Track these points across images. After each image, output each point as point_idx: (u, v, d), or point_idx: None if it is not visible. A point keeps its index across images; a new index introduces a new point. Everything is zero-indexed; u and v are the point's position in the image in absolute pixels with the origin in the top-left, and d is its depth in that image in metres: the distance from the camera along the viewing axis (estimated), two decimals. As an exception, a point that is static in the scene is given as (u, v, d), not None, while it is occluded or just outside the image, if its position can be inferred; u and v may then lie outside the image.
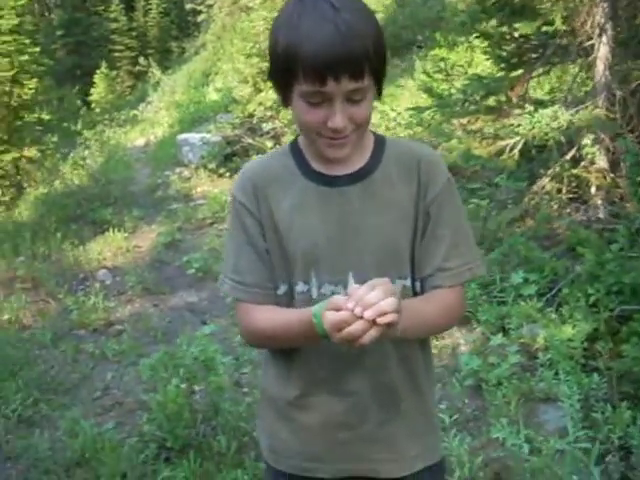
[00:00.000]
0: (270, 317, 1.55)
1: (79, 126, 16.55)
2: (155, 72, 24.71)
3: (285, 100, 1.50)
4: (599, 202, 5.42)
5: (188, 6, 33.25)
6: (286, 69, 1.42)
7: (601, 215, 5.33)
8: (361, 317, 1.27)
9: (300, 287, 1.56)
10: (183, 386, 3.78)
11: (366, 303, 1.27)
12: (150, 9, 35.71)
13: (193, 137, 11.72)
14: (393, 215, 1.55)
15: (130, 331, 5.50)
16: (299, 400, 1.62)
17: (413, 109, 6.90)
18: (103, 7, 31.77)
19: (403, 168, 1.58)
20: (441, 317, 1.59)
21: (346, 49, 1.35)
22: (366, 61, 1.38)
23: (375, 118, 10.13)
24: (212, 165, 10.67)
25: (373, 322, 1.27)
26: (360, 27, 1.38)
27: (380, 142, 1.61)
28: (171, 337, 5.18)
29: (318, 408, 1.60)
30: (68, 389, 4.61)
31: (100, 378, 4.74)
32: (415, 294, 1.59)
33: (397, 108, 9.27)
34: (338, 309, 1.30)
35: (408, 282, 1.58)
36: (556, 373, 3.70)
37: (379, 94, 1.51)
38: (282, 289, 1.59)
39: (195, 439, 3.59)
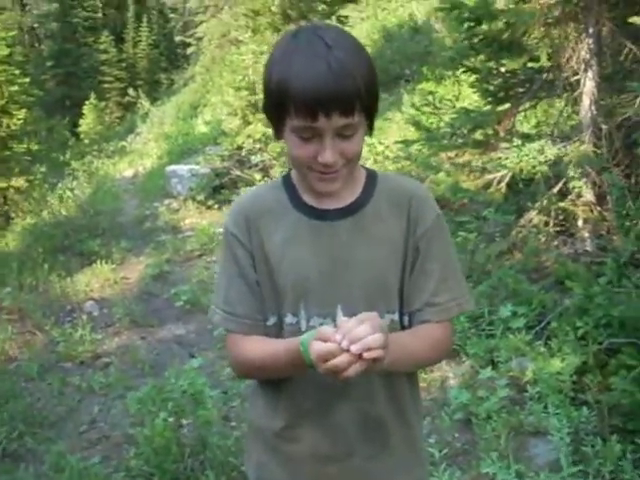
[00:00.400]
0: (259, 347, 1.56)
1: (68, 157, 16.56)
2: (144, 103, 24.82)
3: (277, 133, 1.52)
4: (586, 235, 5.45)
5: (177, 38, 33.62)
6: (278, 104, 1.44)
7: (588, 248, 5.36)
8: (348, 350, 1.28)
9: (289, 319, 1.57)
10: (171, 420, 3.75)
11: (353, 337, 1.28)
12: (140, 41, 35.98)
13: (182, 169, 11.75)
14: (383, 250, 1.57)
15: (117, 364, 5.46)
16: (286, 431, 1.62)
17: (401, 142, 6.94)
18: (93, 38, 31.96)
19: (394, 203, 1.59)
20: (428, 351, 1.60)
21: (337, 86, 1.38)
22: (357, 98, 1.41)
23: (363, 151, 10.18)
24: (200, 197, 10.68)
25: (359, 356, 1.28)
26: (352, 65, 1.41)
27: (371, 177, 1.63)
28: (159, 370, 5.14)
29: (305, 440, 1.60)
30: (54, 422, 4.56)
31: (87, 411, 4.70)
32: (403, 328, 1.60)
33: (385, 141, 9.33)
34: (326, 340, 1.31)
35: (396, 316, 1.59)
36: (545, 406, 3.70)
37: (370, 129, 1.54)
38: (271, 320, 1.60)
39: (183, 474, 3.55)
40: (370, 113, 1.49)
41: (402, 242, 1.58)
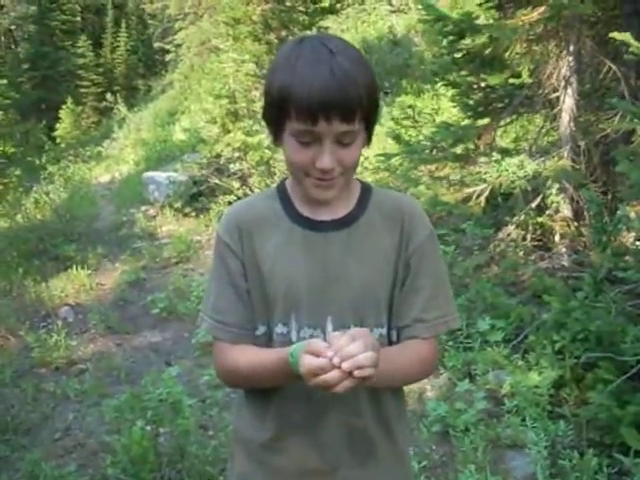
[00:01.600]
0: (247, 356, 1.56)
1: (43, 160, 16.41)
2: (121, 109, 24.67)
3: (276, 138, 1.53)
4: (563, 250, 5.52)
5: (156, 45, 33.51)
6: (280, 107, 1.45)
7: (565, 263, 5.42)
8: (339, 367, 1.28)
9: (279, 329, 1.57)
10: (148, 428, 3.72)
11: (345, 354, 1.28)
12: (118, 46, 35.82)
13: (159, 176, 11.68)
14: (374, 264, 1.57)
15: (92, 371, 5.41)
16: (272, 443, 1.62)
17: (381, 155, 6.97)
18: (70, 42, 31.68)
19: (387, 218, 1.60)
20: (416, 368, 1.61)
21: (340, 91, 1.39)
22: (358, 105, 1.42)
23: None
24: (178, 204, 10.63)
25: (349, 373, 1.28)
26: (355, 73, 1.42)
27: (366, 190, 1.64)
28: (135, 377, 5.11)
29: (291, 452, 1.60)
30: (28, 429, 4.50)
31: (61, 418, 4.64)
32: (390, 343, 1.61)
33: (364, 153, 9.36)
34: (317, 354, 1.31)
35: (385, 330, 1.60)
36: (523, 420, 3.73)
37: (369, 140, 1.55)
38: (261, 330, 1.60)
39: (160, 483, 3.52)
40: (369, 123, 1.50)
41: (394, 257, 1.58)
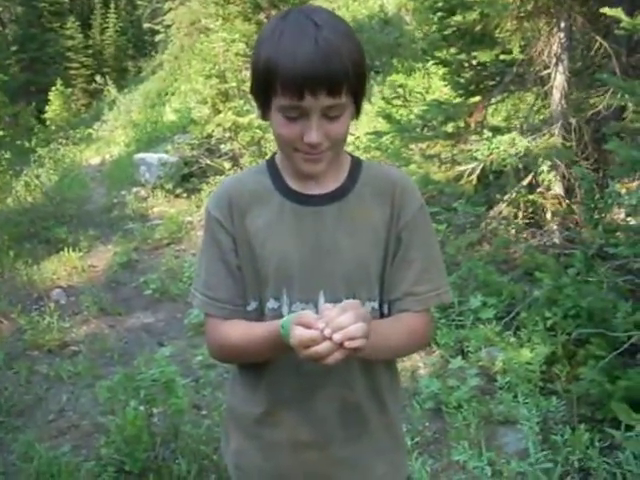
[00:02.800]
0: (239, 330, 1.56)
1: (33, 143, 16.29)
2: (111, 91, 24.52)
3: (264, 114, 1.52)
4: (554, 227, 5.53)
5: (145, 25, 33.21)
6: (266, 82, 1.43)
7: (556, 240, 5.43)
8: (329, 338, 1.28)
9: (271, 304, 1.57)
10: (142, 408, 3.72)
11: (336, 326, 1.28)
12: (107, 27, 35.53)
13: (150, 157, 11.64)
14: (365, 237, 1.56)
15: (86, 352, 5.40)
16: (266, 417, 1.62)
17: (372, 134, 6.96)
18: (59, 24, 31.42)
19: (378, 192, 1.59)
20: (406, 340, 1.60)
21: (325, 65, 1.37)
22: (345, 78, 1.40)
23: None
24: (169, 185, 10.60)
25: (340, 345, 1.28)
26: (340, 46, 1.40)
27: (356, 164, 1.63)
28: (128, 359, 5.11)
29: (284, 426, 1.61)
30: (22, 411, 4.49)
31: (55, 400, 4.64)
32: (382, 316, 1.61)
33: (355, 132, 9.35)
34: (308, 326, 1.30)
35: (376, 304, 1.60)
36: (515, 396, 3.75)
37: (357, 113, 1.53)
38: (252, 305, 1.60)
39: (154, 462, 3.52)
40: (357, 96, 1.48)
41: (384, 231, 1.58)
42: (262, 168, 1.64)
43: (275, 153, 1.66)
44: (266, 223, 1.57)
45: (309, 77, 1.37)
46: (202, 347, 4.93)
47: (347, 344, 1.27)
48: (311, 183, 1.57)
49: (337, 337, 1.27)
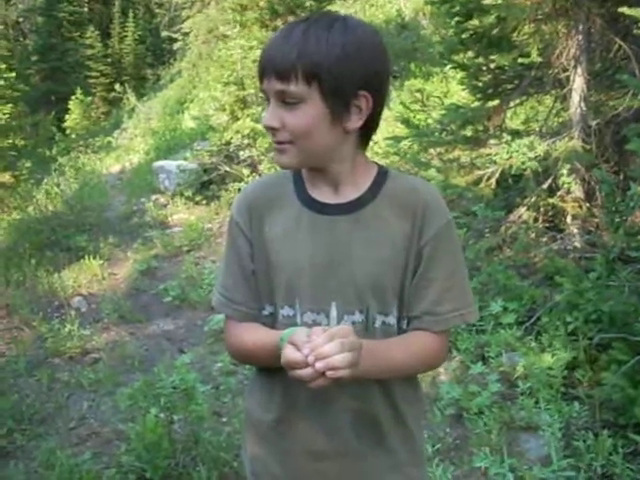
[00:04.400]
0: (252, 334, 1.57)
1: (54, 152, 16.44)
2: (130, 99, 24.69)
3: None
4: (575, 231, 5.48)
5: (164, 34, 33.37)
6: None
7: (577, 244, 5.38)
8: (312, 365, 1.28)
9: (286, 311, 1.57)
10: (162, 416, 3.73)
11: (319, 354, 1.27)
12: (126, 36, 35.76)
13: (169, 164, 11.69)
14: (381, 250, 1.53)
15: (106, 359, 5.42)
16: (279, 424, 1.62)
17: (391, 139, 6.93)
18: (79, 33, 31.67)
19: (400, 204, 1.55)
20: (415, 361, 1.57)
21: (280, 49, 1.42)
22: (291, 64, 1.40)
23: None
24: (188, 193, 10.63)
25: (322, 373, 1.27)
26: (313, 38, 1.40)
27: (382, 175, 1.59)
28: (148, 366, 5.12)
29: (298, 434, 1.60)
30: (43, 419, 4.52)
31: (76, 407, 4.66)
32: (400, 330, 1.58)
33: (374, 137, 9.32)
34: (297, 347, 1.30)
35: (391, 319, 1.56)
36: (536, 401, 3.72)
37: (336, 119, 1.46)
38: (268, 310, 1.60)
39: (175, 470, 3.54)
40: (327, 93, 1.42)
41: (403, 245, 1.53)
42: (287, 174, 1.63)
43: None
44: (283, 230, 1.56)
45: (264, 61, 1.45)
46: (222, 354, 4.94)
47: (329, 374, 1.27)
48: (329, 192, 1.56)
49: (319, 365, 1.26)
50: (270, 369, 1.60)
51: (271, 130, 1.48)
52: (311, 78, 1.41)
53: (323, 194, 1.57)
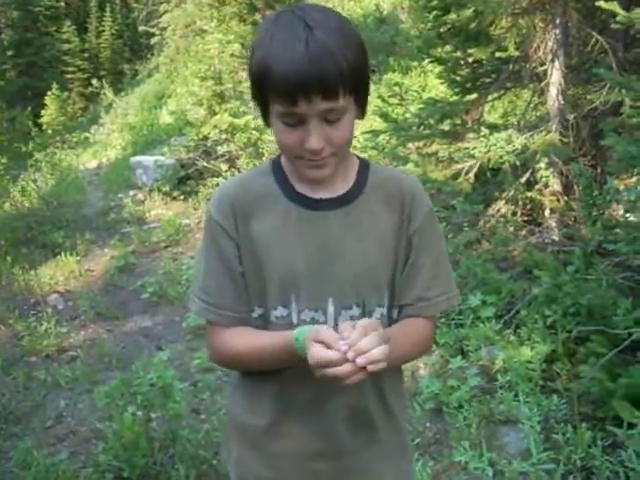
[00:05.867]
0: (245, 339, 1.52)
1: (30, 148, 16.27)
2: (107, 94, 24.46)
3: (265, 119, 1.48)
4: (553, 224, 5.50)
5: (141, 28, 33.11)
6: (260, 89, 1.39)
7: (555, 237, 5.40)
8: (352, 360, 1.24)
9: (279, 311, 1.52)
10: (140, 414, 3.69)
11: (359, 349, 1.24)
12: (103, 31, 35.51)
13: (147, 160, 11.60)
14: (374, 242, 1.52)
15: (83, 357, 5.37)
16: (271, 428, 1.58)
17: (369, 133, 6.92)
18: (55, 28, 31.39)
19: (387, 196, 1.55)
20: (415, 347, 1.59)
21: (316, 68, 1.30)
22: (339, 81, 1.33)
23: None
24: (166, 188, 10.57)
25: (362, 367, 1.24)
26: (334, 45, 1.33)
27: (364, 167, 1.58)
28: (126, 363, 5.07)
29: (293, 436, 1.57)
30: (19, 418, 4.46)
31: (53, 406, 4.60)
32: (390, 320, 1.57)
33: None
34: (327, 345, 1.26)
35: (385, 310, 1.56)
36: (516, 395, 3.72)
37: (362, 113, 1.47)
38: (257, 312, 1.55)
39: (153, 468, 3.49)
40: (359, 95, 1.42)
41: (394, 236, 1.53)
42: (266, 169, 1.58)
43: (281, 154, 1.59)
44: (271, 228, 1.51)
45: (300, 82, 1.31)
46: (201, 350, 4.90)
47: (370, 368, 1.24)
48: (318, 186, 1.52)
49: (360, 361, 1.23)
50: (259, 374, 1.56)
51: (315, 153, 1.40)
52: (353, 88, 1.38)
53: (313, 189, 1.52)
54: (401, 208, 1.54)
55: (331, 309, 1.46)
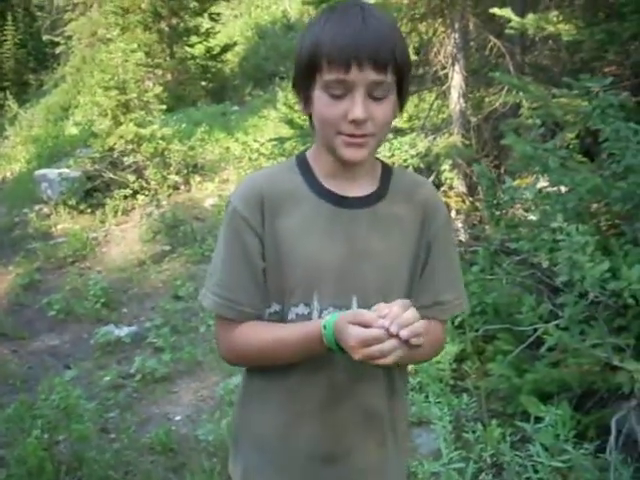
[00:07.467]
0: (261, 333, 1.50)
1: None
2: (12, 106, 23.67)
3: (306, 103, 1.46)
4: (459, 225, 5.60)
5: (46, 37, 32.37)
6: (310, 62, 1.39)
7: (462, 238, 5.50)
8: (395, 335, 1.24)
9: (300, 309, 1.50)
10: (45, 437, 3.55)
11: (402, 322, 1.25)
12: (5, 40, 34.36)
13: (52, 172, 11.21)
14: (397, 243, 1.54)
15: (-14, 381, 5.14)
16: (283, 429, 1.56)
17: (275, 140, 6.91)
18: (-48, 39, 30.30)
19: (409, 199, 1.57)
20: (433, 347, 1.61)
21: (371, 37, 1.35)
22: (391, 55, 1.37)
23: (238, 149, 10.11)
24: (72, 201, 10.24)
25: (405, 341, 1.25)
26: (387, 29, 1.39)
27: (387, 170, 1.59)
28: (32, 385, 4.86)
29: (303, 438, 1.55)
30: None
31: (-48, 434, 4.39)
32: None
33: (260, 139, 9.27)
34: (367, 325, 1.27)
35: None
36: (427, 396, 3.74)
37: (400, 107, 1.50)
38: (274, 308, 1.52)
39: (59, 493, 3.37)
40: (401, 85, 1.44)
41: (415, 238, 1.55)
42: (291, 165, 1.55)
43: (305, 150, 1.58)
44: (299, 225, 1.49)
45: (356, 48, 1.34)
46: (109, 367, 4.79)
47: (414, 340, 1.25)
48: (347, 184, 1.51)
49: (404, 333, 1.24)
50: (272, 376, 1.54)
51: (358, 123, 1.39)
52: (400, 71, 1.40)
53: (341, 186, 1.51)
54: (423, 211, 1.56)
55: (355, 307, 1.45)
